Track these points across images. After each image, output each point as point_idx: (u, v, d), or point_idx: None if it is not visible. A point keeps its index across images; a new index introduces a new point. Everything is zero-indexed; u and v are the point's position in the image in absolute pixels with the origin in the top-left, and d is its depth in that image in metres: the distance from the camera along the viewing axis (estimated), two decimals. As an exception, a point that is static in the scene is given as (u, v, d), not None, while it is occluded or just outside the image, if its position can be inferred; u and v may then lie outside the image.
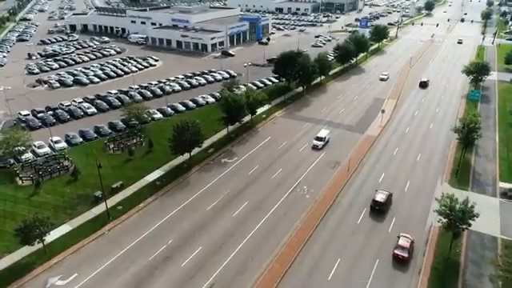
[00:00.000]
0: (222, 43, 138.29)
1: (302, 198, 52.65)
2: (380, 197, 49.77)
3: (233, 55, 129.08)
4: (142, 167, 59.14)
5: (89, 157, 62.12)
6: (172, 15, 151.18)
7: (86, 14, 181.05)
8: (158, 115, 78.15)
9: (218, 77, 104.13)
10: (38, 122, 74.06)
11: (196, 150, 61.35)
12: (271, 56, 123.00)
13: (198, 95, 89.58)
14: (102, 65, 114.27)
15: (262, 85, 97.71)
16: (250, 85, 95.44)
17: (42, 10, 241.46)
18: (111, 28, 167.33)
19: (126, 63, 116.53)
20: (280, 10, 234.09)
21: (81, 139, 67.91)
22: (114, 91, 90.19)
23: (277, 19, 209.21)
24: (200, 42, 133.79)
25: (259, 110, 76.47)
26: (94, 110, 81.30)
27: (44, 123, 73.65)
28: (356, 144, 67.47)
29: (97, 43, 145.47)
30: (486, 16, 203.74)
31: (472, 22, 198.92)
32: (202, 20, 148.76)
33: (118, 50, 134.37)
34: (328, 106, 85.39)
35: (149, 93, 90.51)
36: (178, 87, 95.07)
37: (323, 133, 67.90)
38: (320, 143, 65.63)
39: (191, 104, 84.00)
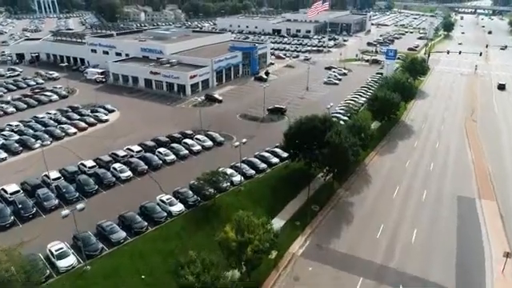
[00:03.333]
0: (206, 82, 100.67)
1: None
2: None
3: (220, 101, 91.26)
4: None
5: None
6: (141, 44, 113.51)
7: (39, 39, 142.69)
8: (67, 261, 39.29)
9: (196, 147, 65.87)
10: None
11: None
12: (273, 102, 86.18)
13: (158, 187, 52.03)
14: (25, 123, 75.82)
15: (264, 165, 59.50)
16: (244, 166, 57.38)
17: (0, 33, 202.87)
18: (68, 58, 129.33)
19: (65, 119, 78.12)
20: (278, 32, 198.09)
21: None
22: (11, 188, 51.41)
23: (274, 42, 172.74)
24: (176, 81, 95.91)
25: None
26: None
27: None
28: None
29: (40, 81, 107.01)
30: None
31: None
32: (180, 50, 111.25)
33: (64, 93, 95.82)
34: (383, 219, 47.22)
35: (72, 189, 51.90)
36: (127, 173, 56.66)
37: None
38: None
39: (139, 222, 45.27)
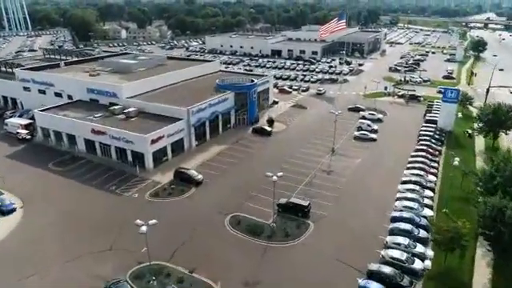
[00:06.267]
0: (179, 143, 64.32)
1: None
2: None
3: (198, 182, 54.80)
4: None
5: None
6: (89, 81, 76.72)
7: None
8: None
9: None
10: None
11: None
12: (285, 185, 50.02)
13: None
14: None
15: None
16: None
17: None
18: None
19: None
20: (278, 53, 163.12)
21: None
22: None
23: (274, 67, 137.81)
24: (130, 147, 59.35)
25: None
26: None
27: None
28: None
29: None
30: None
31: None
32: (144, 90, 74.95)
33: (-50, 167, 59.07)
34: None
35: None
36: None
37: None
38: None
39: None
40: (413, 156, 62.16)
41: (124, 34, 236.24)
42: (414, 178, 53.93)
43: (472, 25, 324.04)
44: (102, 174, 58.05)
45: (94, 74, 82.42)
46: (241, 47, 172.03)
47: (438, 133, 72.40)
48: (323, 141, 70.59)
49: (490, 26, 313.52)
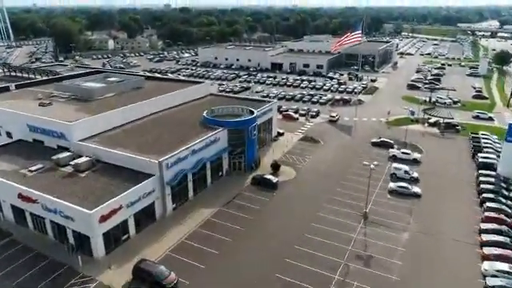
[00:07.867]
0: (148, 210, 44.40)
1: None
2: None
3: (171, 288, 34.86)
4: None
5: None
6: (28, 117, 56.28)
7: None
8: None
9: None
10: None
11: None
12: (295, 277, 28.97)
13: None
14: None
15: None
16: None
17: None
18: None
19: None
20: (278, 67, 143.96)
21: None
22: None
23: (274, 84, 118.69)
24: (70, 225, 39.33)
25: None
26: None
27: None
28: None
29: None
30: None
31: None
32: (105, 128, 55.04)
33: None
34: None
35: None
36: None
37: None
38: None
39: None
40: (484, 230, 42.66)
41: (111, 44, 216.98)
42: (503, 283, 34.33)
43: (481, 33, 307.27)
44: (26, 266, 38.12)
45: (46, 103, 62.50)
46: (237, 60, 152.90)
47: (503, 185, 52.94)
48: (348, 196, 51.36)
49: (500, 34, 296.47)
